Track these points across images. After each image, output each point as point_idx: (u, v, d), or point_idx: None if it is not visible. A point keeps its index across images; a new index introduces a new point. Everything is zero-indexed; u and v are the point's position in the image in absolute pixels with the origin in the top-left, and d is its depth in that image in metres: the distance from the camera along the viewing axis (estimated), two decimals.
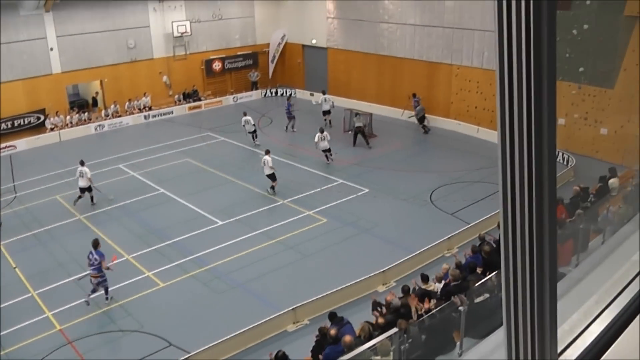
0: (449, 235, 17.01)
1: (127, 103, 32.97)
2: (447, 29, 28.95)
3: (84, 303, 14.78)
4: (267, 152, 21.69)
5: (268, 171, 21.28)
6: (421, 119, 29.27)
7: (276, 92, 38.47)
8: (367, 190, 21.80)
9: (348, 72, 35.05)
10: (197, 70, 36.42)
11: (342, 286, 14.59)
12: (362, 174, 23.55)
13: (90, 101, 33.69)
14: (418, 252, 16.22)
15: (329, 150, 24.50)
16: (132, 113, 33.07)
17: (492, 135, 26.89)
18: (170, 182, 23.33)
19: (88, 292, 14.93)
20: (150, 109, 33.79)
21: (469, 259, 13.86)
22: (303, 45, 38.12)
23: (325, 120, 29.99)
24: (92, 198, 21.30)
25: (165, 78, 35.02)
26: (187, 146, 27.99)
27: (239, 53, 37.87)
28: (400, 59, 31.63)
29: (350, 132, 28.24)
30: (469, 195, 20.88)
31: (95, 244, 15.04)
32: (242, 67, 38.17)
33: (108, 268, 14.93)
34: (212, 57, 36.73)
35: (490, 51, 27.33)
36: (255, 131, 27.95)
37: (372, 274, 15.16)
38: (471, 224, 17.84)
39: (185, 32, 34.74)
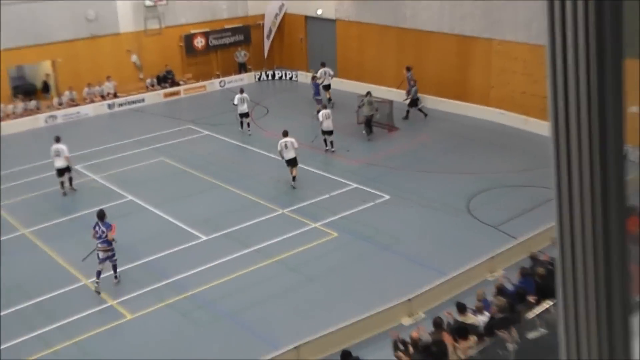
0: (491, 254, 16.84)
1: (86, 89, 32.98)
2: None
3: (95, 293, 16.39)
4: (286, 134, 22.61)
5: (291, 155, 22.27)
6: (414, 102, 29.45)
7: (273, 75, 38.44)
8: (387, 196, 21.65)
9: (362, 50, 34.92)
10: (174, 48, 36.44)
11: (358, 318, 14.43)
12: (381, 176, 23.38)
13: (40, 86, 33.72)
14: (452, 275, 16.04)
15: (331, 132, 25.29)
16: (93, 101, 33.05)
17: (543, 128, 26.63)
18: (141, 187, 23.17)
19: (95, 278, 16.50)
20: (115, 96, 33.78)
21: (518, 284, 13.73)
22: (306, 17, 38.06)
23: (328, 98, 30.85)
24: (70, 180, 22.60)
25: (134, 58, 35.05)
26: (162, 142, 27.90)
27: (226, 27, 37.90)
28: (427, 33, 31.47)
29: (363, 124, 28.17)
30: (516, 203, 20.66)
31: (102, 214, 16.75)
32: (231, 45, 38.18)
33: (114, 240, 16.55)
34: (193, 31, 36.75)
35: (540, 22, 27.08)
36: (247, 115, 28.34)
37: (395, 303, 14.98)
38: (520, 240, 17.65)
39: (160, 0, 34.75)
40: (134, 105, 33.82)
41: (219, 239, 19.20)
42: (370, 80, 33.73)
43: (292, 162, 22.65)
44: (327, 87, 31.96)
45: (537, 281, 13.54)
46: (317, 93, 31.02)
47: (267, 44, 39.34)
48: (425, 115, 29.65)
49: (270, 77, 38.28)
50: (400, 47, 32.92)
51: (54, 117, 31.59)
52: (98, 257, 16.57)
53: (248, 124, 28.56)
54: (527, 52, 27.63)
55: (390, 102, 28.59)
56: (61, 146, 22.32)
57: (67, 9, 32.35)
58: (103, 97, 33.40)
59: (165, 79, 35.63)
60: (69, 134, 29.32)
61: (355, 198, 21.61)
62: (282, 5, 38.56)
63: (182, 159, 25.82)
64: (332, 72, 32.41)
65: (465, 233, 19.06)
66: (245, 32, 38.56)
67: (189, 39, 36.59)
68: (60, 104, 32.27)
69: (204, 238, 19.27)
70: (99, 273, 16.49)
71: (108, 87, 33.61)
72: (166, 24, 35.80)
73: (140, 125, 30.65)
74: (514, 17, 28.00)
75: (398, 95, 31.71)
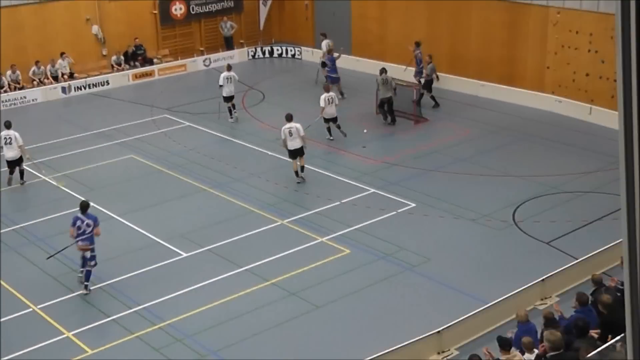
0: (542, 277, 16.94)
1: (33, 68, 33.22)
2: None
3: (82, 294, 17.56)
4: (290, 118, 23.42)
5: (297, 144, 23.09)
6: (427, 85, 29.80)
7: (271, 52, 38.69)
8: (412, 204, 21.79)
9: (383, 21, 35.10)
10: (146, 16, 36.74)
11: (376, 355, 14.44)
12: (405, 179, 23.53)
13: None
14: (494, 302, 16.10)
15: (335, 119, 26.01)
16: (43, 83, 33.38)
17: (612, 119, 26.75)
18: (105, 191, 23.37)
19: (82, 279, 17.74)
20: (71, 76, 34.14)
21: (576, 315, 13.82)
22: None
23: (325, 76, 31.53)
24: (22, 174, 23.69)
25: (95, 29, 35.31)
26: (131, 135, 28.17)
27: None
28: (465, 0, 31.64)
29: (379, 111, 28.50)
30: (575, 214, 20.74)
31: (86, 204, 17.75)
32: (218, 13, 38.46)
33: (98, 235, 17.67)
34: None
35: None
36: (232, 98, 29.02)
37: (422, 336, 15.04)
38: (579, 259, 17.75)
39: None
40: (95, 89, 34.13)
41: (203, 255, 19.33)
42: (393, 58, 33.86)
43: (297, 153, 23.29)
44: (323, 65, 32.56)
45: (601, 312, 13.60)
46: (333, 70, 31.31)
47: (263, 12, 39.52)
48: (437, 104, 29.89)
49: (267, 54, 38.52)
50: (431, 17, 33.07)
51: None
52: (83, 258, 17.67)
53: (234, 106, 29.25)
54: (594, 23, 27.73)
55: (418, 87, 28.76)
56: (12, 132, 23.26)
57: None
58: (55, 79, 33.71)
59: (135, 56, 35.89)
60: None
61: (373, 206, 21.75)
62: None
63: (157, 156, 26.08)
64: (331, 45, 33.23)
65: (510, 250, 19.14)
66: None
67: (164, 5, 36.86)
68: (0, 86, 32.40)
69: (184, 255, 19.40)
70: (87, 275, 17.69)
71: (62, 65, 33.90)
72: None
73: (104, 114, 30.89)
74: None
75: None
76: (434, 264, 18.63)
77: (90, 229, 17.43)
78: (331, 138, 26.54)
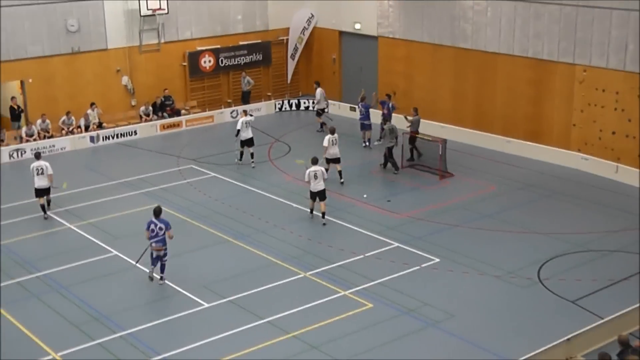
0: (568, 336, 16.70)
1: (63, 117, 33.58)
2: (566, 6, 29.11)
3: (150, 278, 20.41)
4: (316, 162, 24.66)
5: (320, 186, 24.24)
6: (413, 139, 30.30)
7: (298, 105, 38.95)
8: (437, 259, 21.72)
9: (409, 74, 35.31)
10: (175, 68, 37.16)
11: None
12: (430, 234, 23.50)
13: (6, 113, 34.09)
14: None
15: (338, 160, 26.95)
16: (72, 132, 33.68)
17: (638, 178, 26.63)
18: (128, 240, 23.42)
19: (151, 273, 20.46)
20: (100, 126, 34.46)
21: None
22: (341, 33, 38.67)
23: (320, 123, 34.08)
24: (49, 203, 25.54)
25: (125, 80, 35.74)
26: (157, 185, 28.34)
27: (241, 43, 38.66)
28: (492, 55, 31.83)
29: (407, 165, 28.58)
30: (602, 273, 20.60)
31: (159, 210, 20.27)
32: (247, 65, 38.83)
33: (171, 237, 20.24)
34: (199, 48, 37.49)
35: (637, 43, 27.27)
36: (252, 143, 29.95)
37: None
38: (605, 319, 17.52)
39: (160, 8, 35.50)
40: (123, 139, 34.43)
41: (224, 306, 19.29)
42: (419, 113, 33.92)
43: (320, 195, 24.17)
44: (321, 112, 34.86)
45: None
46: (366, 117, 32.06)
47: (291, 65, 39.92)
48: (416, 157, 30.50)
49: (294, 107, 38.77)
50: (458, 73, 33.27)
51: (21, 151, 32.16)
52: (152, 257, 20.30)
53: (252, 154, 29.85)
54: (621, 81, 27.78)
55: (444, 141, 28.78)
56: (43, 163, 25.19)
57: (41, 15, 33.04)
58: (85, 129, 34.02)
59: (163, 107, 36.22)
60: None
61: (397, 260, 21.67)
62: (312, 17, 39.16)
63: (181, 206, 26.17)
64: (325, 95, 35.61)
65: (535, 308, 18.98)
66: (264, 50, 39.24)
67: (194, 57, 37.29)
68: (30, 135, 32.71)
69: (206, 305, 19.36)
70: (162, 268, 20.41)
71: (91, 115, 34.24)
72: (166, 39, 36.63)
73: (130, 164, 31.15)
74: (604, 36, 28.21)
75: (453, 133, 31.94)
76: (458, 320, 18.47)
77: (162, 232, 20.09)
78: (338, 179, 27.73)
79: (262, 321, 18.51)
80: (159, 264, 20.44)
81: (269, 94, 39.42)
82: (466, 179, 28.41)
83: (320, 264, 21.52)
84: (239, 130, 29.72)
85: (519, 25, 30.69)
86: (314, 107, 36.40)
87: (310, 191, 24.39)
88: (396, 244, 22.78)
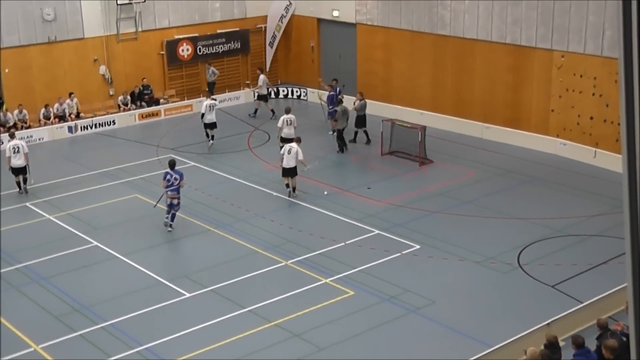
0: (548, 320, 16.86)
1: (42, 110, 33.41)
2: None
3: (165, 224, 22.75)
4: (298, 140, 25.64)
5: (292, 163, 24.98)
6: (362, 121, 31.00)
7: (277, 93, 38.86)
8: (417, 246, 21.81)
9: (388, 62, 35.36)
10: (153, 56, 37.06)
11: None
12: (410, 221, 23.59)
13: None
14: (498, 345, 16.00)
15: (291, 140, 26.83)
16: (50, 123, 33.53)
17: (616, 162, 26.77)
18: (108, 230, 23.45)
19: (168, 222, 22.76)
20: (78, 116, 34.31)
21: (574, 359, 13.75)
22: (319, 20, 38.65)
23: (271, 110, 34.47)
24: (25, 181, 26.23)
25: (103, 69, 35.60)
26: (137, 175, 28.29)
27: (219, 31, 38.60)
28: (470, 42, 31.92)
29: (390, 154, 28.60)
30: (580, 258, 20.77)
31: (173, 162, 23.10)
32: (225, 53, 38.82)
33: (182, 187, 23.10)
34: (177, 36, 37.41)
35: (614, 29, 27.41)
36: (215, 126, 30.97)
37: None
38: (585, 303, 17.70)
39: None
40: (101, 129, 34.31)
41: (206, 296, 19.32)
42: (398, 100, 34.12)
43: (291, 172, 25.02)
44: (264, 98, 35.26)
45: (608, 357, 13.50)
46: (332, 112, 31.72)
47: (269, 53, 39.88)
48: (369, 141, 30.92)
49: (272, 95, 38.67)
50: (437, 60, 33.33)
51: None
52: (168, 205, 22.89)
53: (213, 137, 30.99)
54: (599, 66, 27.93)
55: (423, 128, 28.86)
56: (19, 142, 26.25)
57: (17, 5, 32.75)
58: (63, 119, 33.88)
59: (142, 96, 36.10)
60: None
61: (377, 247, 21.76)
62: (289, 4, 39.12)
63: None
64: (267, 83, 35.91)
65: (515, 293, 19.14)
66: (242, 38, 39.19)
67: (172, 46, 37.19)
68: (7, 125, 32.39)
69: (187, 295, 19.38)
70: (173, 217, 22.99)
71: (69, 105, 34.06)
72: (144, 27, 36.51)
73: (109, 154, 31.05)
74: (581, 23, 28.38)
75: (432, 120, 32.02)
76: (438, 306, 18.59)
77: (177, 182, 22.85)
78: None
79: (244, 310, 18.57)
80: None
81: (248, 82, 39.37)
82: (446, 165, 28.52)
83: (301, 252, 21.58)
84: (203, 114, 30.55)
85: (497, 11, 30.80)
86: (255, 93, 36.88)
87: (283, 167, 25.17)
88: (377, 231, 22.87)
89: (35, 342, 17.35)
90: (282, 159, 25.11)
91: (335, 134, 30.73)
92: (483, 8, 31.17)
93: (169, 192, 22.86)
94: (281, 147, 26.35)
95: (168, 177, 22.85)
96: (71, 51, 34.60)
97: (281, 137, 28.32)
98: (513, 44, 30.50)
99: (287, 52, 40.42)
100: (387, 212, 24.37)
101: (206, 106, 30.49)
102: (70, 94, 34.06)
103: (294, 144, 25.17)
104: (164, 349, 17.07)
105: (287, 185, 25.48)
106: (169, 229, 22.91)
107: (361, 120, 30.95)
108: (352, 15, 36.52)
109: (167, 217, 22.96)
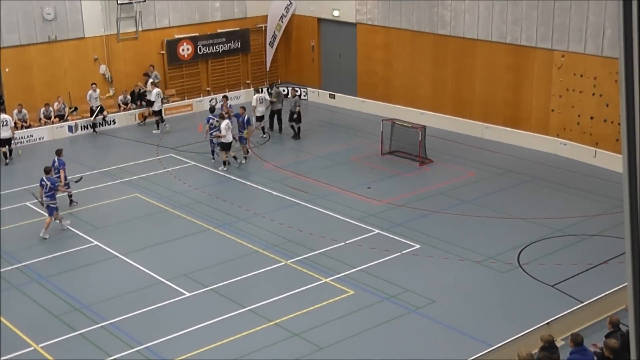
0: (548, 320, 16.88)
1: (42, 109, 33.35)
2: None
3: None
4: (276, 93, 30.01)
5: (259, 112, 29.24)
6: (297, 117, 31.66)
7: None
8: (417, 245, 21.82)
9: (388, 61, 35.36)
10: (153, 56, 36.99)
11: None
12: (410, 221, 23.59)
13: None
14: (498, 345, 16.02)
15: (262, 118, 28.46)
16: (51, 122, 33.48)
17: (616, 162, 26.77)
18: (109, 230, 23.46)
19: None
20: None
21: (571, 357, 13.73)
22: (319, 20, 38.63)
23: (263, 128, 32.59)
24: (10, 152, 29.29)
25: (103, 68, 35.56)
26: (137, 174, 28.27)
27: (219, 31, 38.52)
28: (471, 42, 31.93)
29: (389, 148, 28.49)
30: (580, 257, 20.78)
31: (213, 108, 28.54)
32: (225, 53, 38.76)
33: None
34: (177, 36, 37.35)
35: (616, 29, 27.39)
36: (160, 114, 33.39)
37: None
38: (584, 303, 17.71)
39: None
40: (102, 128, 34.25)
41: (206, 295, 19.33)
42: (398, 100, 34.13)
43: (225, 147, 28.04)
44: (261, 119, 32.16)
45: (607, 357, 13.46)
46: (241, 134, 29.64)
47: (269, 53, 39.84)
48: (298, 137, 31.86)
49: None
50: (437, 60, 33.33)
51: None
52: (212, 143, 28.16)
53: (157, 124, 33.16)
54: (599, 66, 27.93)
55: (423, 128, 28.86)
56: (6, 116, 29.48)
57: (17, 4, 32.66)
58: (63, 118, 33.85)
59: (142, 96, 36.04)
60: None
61: (377, 247, 21.77)
62: (290, 4, 39.09)
63: (161, 195, 26.14)
64: (267, 97, 33.17)
65: (515, 293, 19.15)
66: (242, 38, 39.13)
67: (172, 45, 37.14)
68: (5, 124, 32.13)
69: (187, 294, 19.39)
70: (213, 152, 28.49)
71: (93, 96, 33.73)
72: (144, 27, 36.44)
73: (110, 153, 31.11)
74: (581, 23, 28.37)
75: (432, 120, 32.03)
76: (438, 306, 18.60)
77: (219, 124, 27.44)
78: (264, 136, 31.74)
79: (243, 309, 18.58)
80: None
81: (248, 81, 39.33)
82: (446, 165, 28.52)
83: (301, 252, 21.58)
84: (153, 102, 33.13)
85: (497, 11, 30.79)
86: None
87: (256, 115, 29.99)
88: (377, 231, 22.88)
89: (35, 342, 17.37)
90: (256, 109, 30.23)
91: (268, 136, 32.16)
92: (483, 8, 31.17)
93: (214, 133, 27.94)
94: (262, 128, 30.16)
95: (211, 120, 28.07)
96: (71, 50, 34.55)
97: (256, 117, 31.27)
98: (513, 44, 30.49)
99: (288, 52, 40.40)
100: (387, 211, 24.38)
101: (256, 99, 31.90)
102: (93, 84, 33.81)
103: (260, 95, 30.60)
104: (164, 348, 17.08)
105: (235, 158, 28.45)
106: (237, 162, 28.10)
107: (296, 116, 31.69)
108: (352, 14, 36.51)
109: (213, 159, 28.52)
